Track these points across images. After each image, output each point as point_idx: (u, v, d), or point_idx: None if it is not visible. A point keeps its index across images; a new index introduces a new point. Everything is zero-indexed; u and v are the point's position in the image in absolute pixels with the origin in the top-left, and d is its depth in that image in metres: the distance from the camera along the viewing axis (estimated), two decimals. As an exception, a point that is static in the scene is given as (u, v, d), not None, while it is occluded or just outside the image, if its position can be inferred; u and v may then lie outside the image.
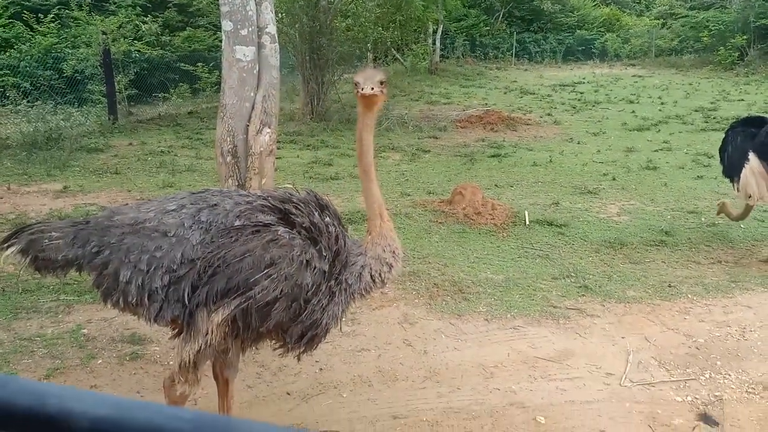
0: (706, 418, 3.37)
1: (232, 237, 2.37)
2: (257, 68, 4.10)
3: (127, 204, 2.76)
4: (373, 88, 2.40)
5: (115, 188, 8.21)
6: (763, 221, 6.73)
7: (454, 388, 3.56)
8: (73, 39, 16.37)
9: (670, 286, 5.11)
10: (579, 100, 17.31)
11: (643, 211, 7.15)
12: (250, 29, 4.00)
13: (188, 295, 2.36)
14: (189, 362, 2.45)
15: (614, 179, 8.60)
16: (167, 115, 14.47)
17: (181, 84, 16.36)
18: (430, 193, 7.93)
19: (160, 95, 16.08)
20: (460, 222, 6.63)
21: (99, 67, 13.84)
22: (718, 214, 6.42)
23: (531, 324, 4.39)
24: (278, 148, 11.02)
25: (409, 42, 20.51)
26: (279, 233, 2.41)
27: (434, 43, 23.37)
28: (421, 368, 3.76)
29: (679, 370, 3.84)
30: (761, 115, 6.46)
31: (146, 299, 2.35)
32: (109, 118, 12.82)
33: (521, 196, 7.80)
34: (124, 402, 0.58)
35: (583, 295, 4.91)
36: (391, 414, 3.30)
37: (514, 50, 29.55)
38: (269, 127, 4.04)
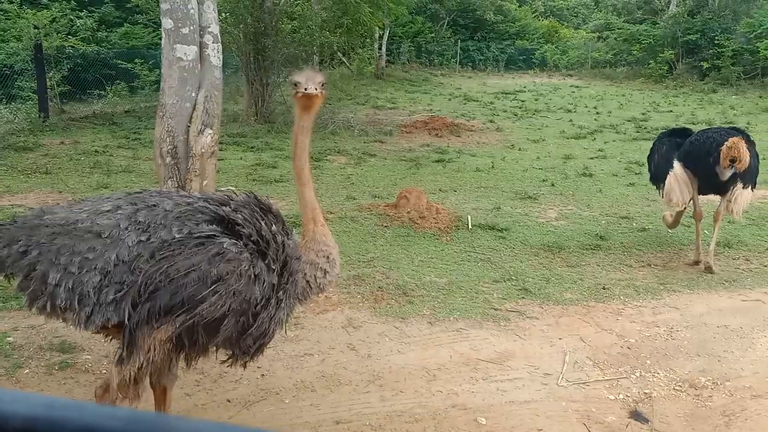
0: (636, 415, 3.52)
1: (174, 250, 2.27)
2: (199, 68, 4.01)
3: (58, 204, 2.62)
4: (315, 88, 2.38)
5: (45, 189, 7.83)
6: (689, 226, 7.09)
7: (398, 391, 3.58)
8: (2, 32, 15.57)
9: (604, 288, 5.31)
10: (520, 107, 17.79)
11: (580, 216, 7.41)
12: (191, 28, 3.91)
13: (128, 311, 2.26)
14: (130, 379, 2.36)
15: (553, 185, 8.87)
16: (103, 113, 13.94)
17: (118, 81, 15.81)
18: (375, 196, 7.95)
19: (95, 93, 15.48)
20: (405, 226, 6.68)
21: (30, 63, 13.20)
22: (665, 225, 6.61)
23: (473, 326, 4.47)
24: (221, 150, 10.82)
25: (356, 46, 20.56)
26: (225, 246, 2.32)
27: (380, 48, 23.51)
28: (365, 372, 3.76)
29: (611, 369, 3.99)
30: (686, 126, 6.82)
31: (76, 303, 2.24)
32: (39, 116, 12.23)
33: (464, 200, 7.94)
34: (57, 402, 0.57)
35: (523, 297, 5.04)
36: (334, 419, 3.29)
37: (458, 57, 30.11)
38: (211, 128, 3.96)
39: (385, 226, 6.67)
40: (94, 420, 0.55)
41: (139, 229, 2.29)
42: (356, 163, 10.05)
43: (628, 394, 3.71)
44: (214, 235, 2.31)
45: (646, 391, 3.75)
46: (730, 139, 5.19)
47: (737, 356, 4.19)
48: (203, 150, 3.91)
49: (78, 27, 16.56)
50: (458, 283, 5.22)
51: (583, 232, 6.82)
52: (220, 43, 4.14)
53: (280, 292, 2.44)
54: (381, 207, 7.25)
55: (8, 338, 3.95)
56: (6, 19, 15.28)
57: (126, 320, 2.26)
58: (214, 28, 4.07)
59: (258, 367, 3.74)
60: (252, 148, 10.92)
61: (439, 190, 8.40)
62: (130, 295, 2.24)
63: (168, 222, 2.31)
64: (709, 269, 5.72)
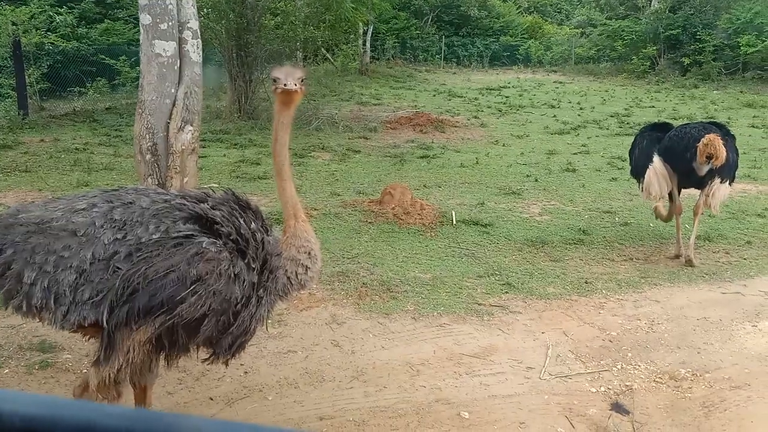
0: (618, 407, 3.56)
1: (153, 251, 2.24)
2: (178, 64, 3.97)
3: (33, 202, 2.58)
4: (294, 84, 2.37)
5: (25, 187, 7.72)
6: (671, 221, 7.17)
7: (381, 386, 3.58)
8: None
9: (586, 282, 5.35)
10: (504, 103, 17.85)
11: (563, 211, 7.46)
12: (170, 23, 3.87)
13: (106, 312, 2.23)
14: (109, 381, 2.34)
15: (536, 180, 8.92)
16: (83, 110, 13.77)
17: (98, 78, 15.62)
18: (360, 193, 7.94)
19: (75, 89, 15.28)
20: (389, 222, 6.68)
21: (9, 60, 13.00)
22: (657, 218, 6.67)
23: (456, 321, 4.49)
24: (204, 147, 10.76)
25: (340, 42, 20.49)
26: (204, 246, 2.30)
27: (365, 45, 23.45)
28: (349, 368, 3.76)
29: (593, 362, 4.03)
30: (667, 121, 6.88)
31: (52, 302, 2.21)
32: (19, 113, 12.05)
33: (449, 196, 7.95)
34: (58, 400, 0.56)
35: (507, 292, 5.07)
36: (317, 415, 3.28)
37: (443, 53, 30.13)
38: (191, 125, 3.92)
39: (370, 223, 6.66)
40: (94, 417, 0.54)
41: (115, 227, 2.26)
42: (340, 160, 10.02)
43: (610, 387, 3.75)
44: (193, 235, 2.29)
45: (627, 384, 3.79)
46: (707, 136, 5.25)
47: (717, 348, 4.25)
48: (183, 147, 3.87)
49: (58, 23, 16.32)
50: (442, 279, 5.23)
51: (566, 226, 6.87)
52: (199, 39, 4.10)
53: (261, 290, 2.43)
54: (365, 203, 7.25)
55: (-14, 339, 3.89)
56: (-16, 15, 15.01)
57: (105, 322, 2.24)
58: (194, 24, 4.03)
59: (241, 365, 3.72)
60: (235, 144, 10.84)
61: (424, 185, 8.41)
62: (109, 298, 2.21)
63: (145, 219, 2.29)
64: (689, 262, 5.79)
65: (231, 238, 2.34)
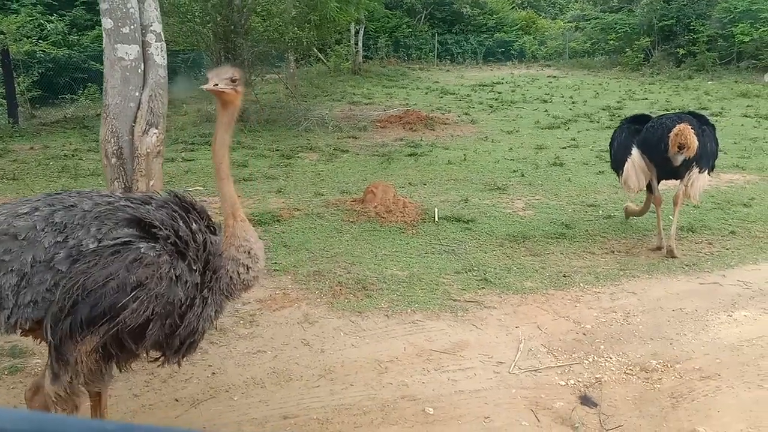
0: (585, 400, 3.55)
1: (90, 261, 2.25)
2: (142, 67, 3.97)
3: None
4: (216, 84, 2.37)
5: (11, 195, 7.74)
6: (653, 212, 7.15)
7: (348, 384, 3.58)
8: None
9: (564, 276, 5.34)
10: (496, 99, 17.82)
11: (547, 206, 7.45)
12: (132, 27, 3.87)
13: (50, 328, 2.25)
14: (65, 393, 2.36)
15: (523, 175, 8.91)
16: (74, 117, 13.81)
17: (90, 85, 15.65)
18: (344, 192, 7.94)
19: (67, 97, 15.33)
20: (371, 220, 6.68)
21: (-2, 69, 13.05)
22: (627, 218, 6.74)
23: (430, 318, 4.48)
24: (193, 150, 10.78)
25: (330, 42, 20.48)
26: (143, 251, 2.31)
27: (357, 44, 23.45)
28: (317, 367, 3.76)
29: (565, 356, 4.02)
30: (647, 113, 6.87)
31: None
32: (9, 122, 12.10)
33: (433, 193, 7.95)
34: (48, 418, 0.56)
35: (483, 287, 5.06)
36: (281, 414, 3.29)
37: (436, 51, 30.11)
38: (156, 128, 3.93)
39: (352, 222, 6.66)
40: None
41: (55, 230, 2.27)
42: (327, 160, 10.03)
43: (579, 380, 3.74)
44: (130, 242, 2.29)
45: (597, 376, 3.78)
46: (677, 126, 5.24)
47: (689, 338, 4.24)
48: (149, 150, 3.88)
49: (49, 31, 16.39)
50: (419, 276, 5.23)
51: (548, 221, 6.85)
52: (163, 42, 4.11)
53: (205, 290, 2.44)
54: (348, 202, 7.25)
55: (-42, 346, 3.91)
56: (-26, 25, 15.07)
57: (50, 337, 2.26)
58: (157, 27, 4.04)
59: (209, 366, 3.73)
60: (224, 147, 10.83)
61: (409, 183, 8.40)
62: (51, 312, 2.23)
63: (86, 222, 2.30)
64: (670, 253, 5.77)
65: (169, 240, 2.34)
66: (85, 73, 16.16)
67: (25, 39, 14.60)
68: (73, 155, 10.10)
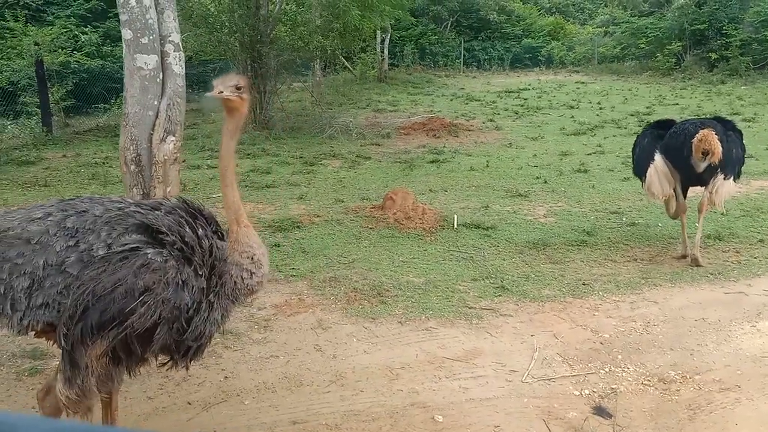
0: (599, 410, 3.48)
1: (99, 268, 2.32)
2: (161, 77, 4.07)
3: (-6, 213, 2.69)
4: (221, 92, 2.42)
5: (41, 201, 7.97)
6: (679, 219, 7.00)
7: (358, 390, 3.59)
8: (8, 50, 15.91)
9: (584, 284, 5.26)
10: (522, 105, 17.69)
11: (569, 213, 7.35)
12: (150, 37, 3.97)
13: (62, 333, 2.32)
14: (77, 397, 2.43)
15: (546, 182, 8.81)
16: (106, 126, 14.17)
17: (122, 94, 16.02)
18: (364, 199, 7.97)
19: (100, 106, 15.74)
20: (390, 227, 6.69)
21: (33, 79, 13.48)
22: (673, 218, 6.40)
23: (444, 325, 4.46)
24: (218, 158, 10.95)
25: (356, 50, 20.62)
26: (150, 257, 2.37)
27: (383, 52, 23.56)
28: (328, 372, 3.78)
29: (580, 365, 3.95)
30: (671, 118, 6.71)
31: (9, 308, 2.31)
32: (42, 130, 12.47)
33: (454, 200, 7.92)
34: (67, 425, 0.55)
35: (500, 295, 5.01)
36: (291, 419, 3.30)
37: (462, 58, 30.04)
38: (173, 135, 4.01)
39: (371, 228, 6.68)
40: None
41: (67, 234, 2.34)
42: (350, 167, 10.08)
43: (594, 390, 3.68)
44: (138, 248, 2.35)
45: (613, 387, 3.71)
46: (701, 132, 5.12)
47: (710, 349, 4.13)
48: (166, 157, 3.97)
49: (83, 42, 16.86)
50: (435, 283, 5.21)
51: (570, 228, 6.76)
52: (182, 52, 4.20)
53: (211, 295, 2.48)
54: (368, 209, 7.27)
55: (-17, 347, 4.03)
56: (12, 37, 15.60)
57: (63, 342, 2.32)
58: (175, 37, 4.13)
59: (222, 370, 3.78)
60: (249, 154, 10.99)
61: (429, 190, 8.39)
62: (63, 318, 2.30)
63: (97, 227, 2.36)
64: (695, 262, 5.64)
65: (176, 246, 2.39)
66: (117, 83, 16.52)
67: (59, 50, 15.05)
68: (103, 163, 10.35)
